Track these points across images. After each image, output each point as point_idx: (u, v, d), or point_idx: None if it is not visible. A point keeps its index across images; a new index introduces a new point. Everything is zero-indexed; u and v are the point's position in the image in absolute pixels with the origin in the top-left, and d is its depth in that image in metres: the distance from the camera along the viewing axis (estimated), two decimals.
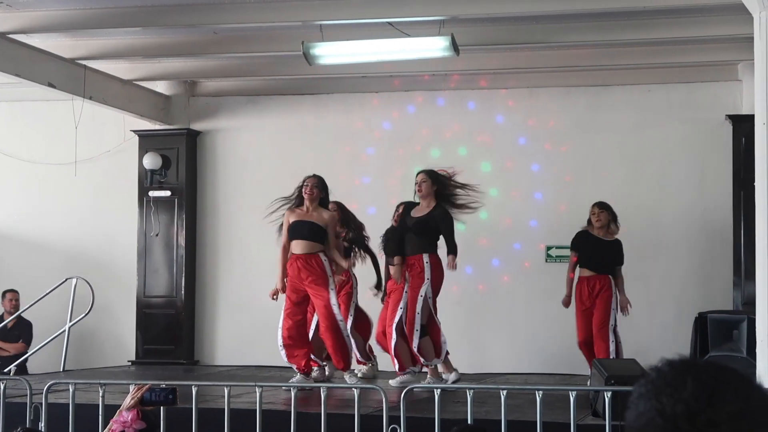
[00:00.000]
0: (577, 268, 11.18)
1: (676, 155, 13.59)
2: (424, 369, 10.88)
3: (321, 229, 10.54)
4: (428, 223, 10.67)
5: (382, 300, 11.26)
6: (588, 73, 13.82)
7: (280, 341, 10.65)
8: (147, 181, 14.85)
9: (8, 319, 13.80)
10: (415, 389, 8.31)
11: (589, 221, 11.33)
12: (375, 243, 11.46)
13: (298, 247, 10.58)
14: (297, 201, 10.74)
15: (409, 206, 11.02)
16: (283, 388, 9.56)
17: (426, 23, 11.43)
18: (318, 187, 10.69)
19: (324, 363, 11.50)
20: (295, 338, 10.62)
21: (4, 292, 14.14)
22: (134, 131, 14.90)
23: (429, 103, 14.31)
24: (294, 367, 10.66)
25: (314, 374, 11.18)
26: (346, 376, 10.72)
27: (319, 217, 10.57)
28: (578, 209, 12.54)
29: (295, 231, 10.55)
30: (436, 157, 14.12)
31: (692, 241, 13.48)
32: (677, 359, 1.79)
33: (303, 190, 10.69)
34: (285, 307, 10.65)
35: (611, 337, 10.92)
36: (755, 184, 8.63)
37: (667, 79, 13.63)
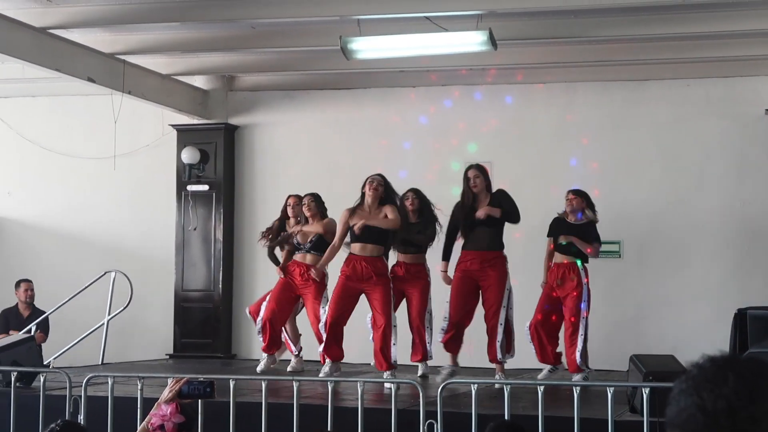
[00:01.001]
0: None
1: (715, 150, 13.50)
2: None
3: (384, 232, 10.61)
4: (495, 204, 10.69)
5: None
6: (625, 68, 13.75)
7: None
8: (185, 175, 14.92)
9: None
10: (451, 384, 8.31)
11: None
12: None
13: (362, 249, 10.62)
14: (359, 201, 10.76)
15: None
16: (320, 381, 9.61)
17: (463, 18, 11.41)
18: (383, 185, 10.69)
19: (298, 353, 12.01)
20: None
21: (19, 282, 13.83)
22: (172, 126, 14.98)
23: (466, 98, 14.29)
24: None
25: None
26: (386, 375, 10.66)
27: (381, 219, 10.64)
28: (615, 205, 12.52)
29: (360, 234, 10.57)
30: (473, 152, 14.11)
31: (731, 237, 13.39)
32: (718, 355, 1.78)
33: (368, 187, 10.67)
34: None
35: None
36: None
37: (706, 74, 13.54)
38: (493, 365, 10.82)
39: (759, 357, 1.89)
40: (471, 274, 10.64)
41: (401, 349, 11.06)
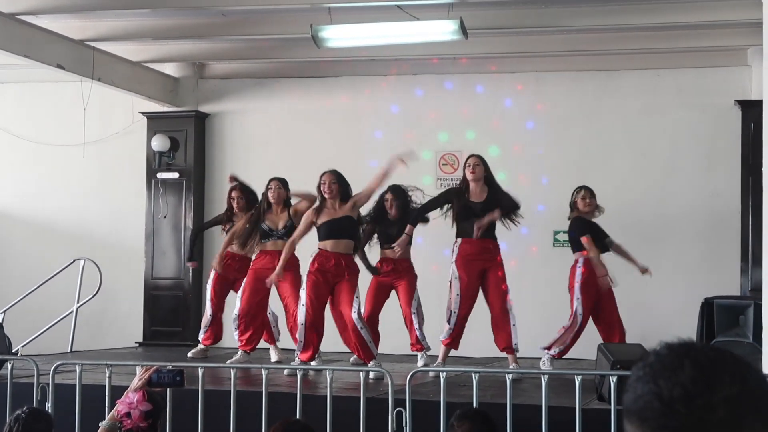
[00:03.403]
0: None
1: (685, 140, 13.57)
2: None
3: (354, 223, 10.43)
4: (492, 205, 10.48)
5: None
6: (596, 58, 13.80)
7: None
8: (155, 163, 14.88)
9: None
10: (420, 373, 8.33)
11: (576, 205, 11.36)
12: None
13: (336, 246, 10.26)
14: (320, 200, 10.41)
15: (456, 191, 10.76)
16: (286, 372, 9.60)
17: (434, 6, 11.42)
18: (336, 182, 10.34)
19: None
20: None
21: None
22: (143, 113, 14.92)
23: (437, 87, 14.30)
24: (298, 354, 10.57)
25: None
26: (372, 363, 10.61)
27: (348, 210, 10.42)
28: None
29: (330, 231, 10.29)
30: (444, 141, 14.15)
31: (700, 227, 13.47)
32: (676, 342, 1.79)
33: (321, 188, 10.34)
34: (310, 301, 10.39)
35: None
36: (763, 169, 8.63)
37: (676, 64, 13.61)
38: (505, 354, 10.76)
39: (717, 345, 1.90)
40: (474, 263, 10.43)
41: (394, 340, 11.17)
